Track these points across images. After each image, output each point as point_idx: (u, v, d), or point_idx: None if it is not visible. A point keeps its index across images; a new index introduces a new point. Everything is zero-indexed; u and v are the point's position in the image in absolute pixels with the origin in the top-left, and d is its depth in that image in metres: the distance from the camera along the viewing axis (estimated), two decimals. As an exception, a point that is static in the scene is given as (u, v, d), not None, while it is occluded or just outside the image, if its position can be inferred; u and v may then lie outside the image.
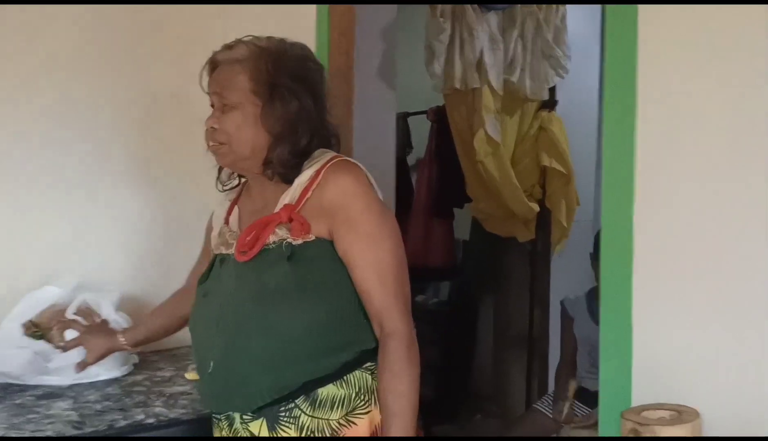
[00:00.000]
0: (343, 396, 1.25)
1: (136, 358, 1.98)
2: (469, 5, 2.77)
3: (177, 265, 2.24)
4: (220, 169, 1.48)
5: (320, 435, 1.25)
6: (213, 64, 1.36)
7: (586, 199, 3.26)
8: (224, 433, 1.35)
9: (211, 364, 1.30)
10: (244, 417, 1.30)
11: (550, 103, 3.09)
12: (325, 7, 1.84)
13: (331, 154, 1.33)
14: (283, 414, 1.26)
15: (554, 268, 3.26)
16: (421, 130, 3.75)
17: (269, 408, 1.26)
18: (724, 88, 1.08)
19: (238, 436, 1.32)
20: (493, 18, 2.86)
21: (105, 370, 1.83)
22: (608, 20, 1.26)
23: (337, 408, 1.25)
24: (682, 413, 0.95)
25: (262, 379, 1.25)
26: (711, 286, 1.05)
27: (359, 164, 1.31)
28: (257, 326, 1.25)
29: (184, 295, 1.67)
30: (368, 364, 1.28)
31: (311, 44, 1.89)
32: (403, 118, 3.64)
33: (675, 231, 1.11)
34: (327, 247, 1.26)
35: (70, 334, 1.79)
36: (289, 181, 1.31)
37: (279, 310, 1.24)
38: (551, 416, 2.67)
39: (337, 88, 1.81)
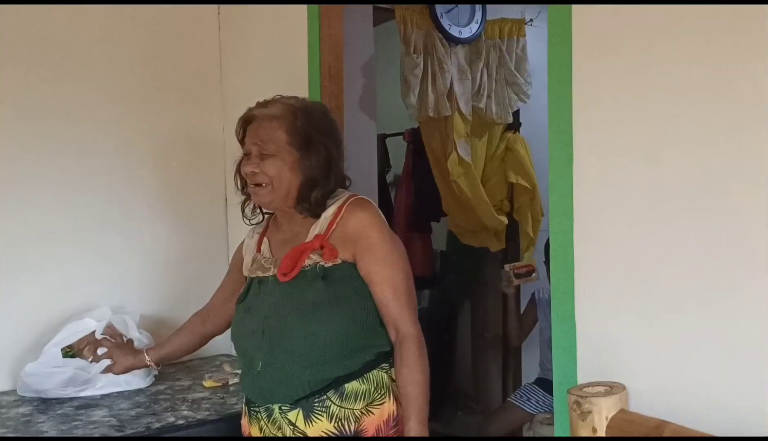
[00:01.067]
0: (364, 390, 1.52)
1: (156, 371, 2.21)
2: (437, 40, 3.04)
3: (190, 287, 2.50)
4: (243, 207, 1.73)
5: (346, 420, 1.50)
6: (248, 118, 1.62)
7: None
8: (262, 423, 1.59)
9: (260, 364, 1.55)
10: (283, 407, 1.54)
11: (514, 126, 3.36)
12: (316, 57, 2.09)
13: (347, 193, 1.62)
14: (317, 404, 1.52)
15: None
16: (398, 150, 3.96)
17: (305, 400, 1.52)
18: (654, 92, 1.24)
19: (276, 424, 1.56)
20: (460, 51, 3.14)
21: (127, 382, 2.07)
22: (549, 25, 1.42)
23: (360, 400, 1.52)
24: (613, 388, 1.24)
25: (303, 375, 1.51)
26: (636, 288, 1.31)
27: (371, 201, 1.61)
28: (299, 333, 1.51)
29: (207, 315, 1.93)
30: (383, 364, 1.56)
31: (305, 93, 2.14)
32: (381, 140, 3.82)
33: (608, 237, 1.32)
34: (351, 268, 1.54)
35: (102, 352, 2.03)
36: (317, 216, 1.58)
37: (316, 320, 1.51)
38: (524, 409, 2.96)
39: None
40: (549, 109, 1.41)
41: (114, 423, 1.81)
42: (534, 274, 3.03)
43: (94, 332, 2.08)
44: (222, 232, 2.56)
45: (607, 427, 1.18)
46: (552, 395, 2.79)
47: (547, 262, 2.83)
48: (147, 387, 2.12)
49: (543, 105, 3.63)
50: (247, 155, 1.61)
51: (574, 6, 1.36)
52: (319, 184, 1.57)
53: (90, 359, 1.99)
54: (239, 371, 2.14)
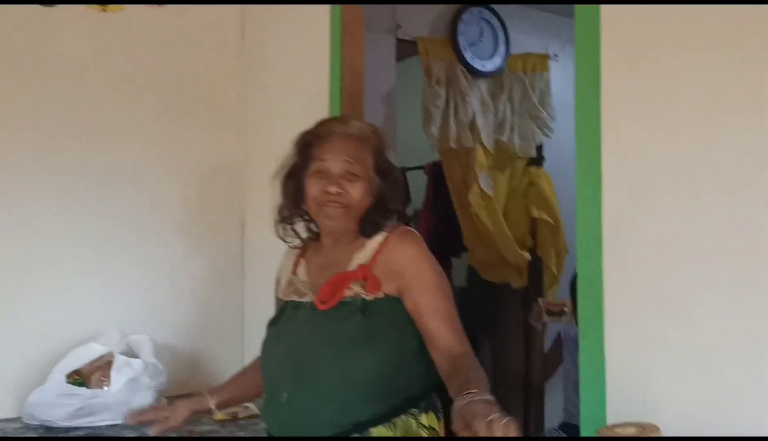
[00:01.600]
0: (391, 437, 1.40)
1: (165, 401, 2.15)
2: (460, 72, 3.02)
3: (203, 315, 2.45)
4: (285, 226, 1.58)
5: None
6: (324, 134, 1.50)
7: (575, 248, 3.45)
8: None
9: (285, 395, 1.43)
10: None
11: (537, 160, 3.32)
12: (337, 83, 2.07)
13: (391, 222, 1.51)
14: None
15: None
16: (418, 184, 3.94)
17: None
18: (686, 116, 1.20)
19: None
20: (483, 84, 3.12)
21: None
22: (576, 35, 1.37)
23: None
24: (645, 428, 1.15)
25: (329, 414, 1.39)
26: (670, 323, 1.24)
27: (416, 232, 1.51)
28: (330, 368, 1.40)
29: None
30: (412, 410, 1.44)
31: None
32: (401, 173, 3.81)
33: (640, 270, 1.26)
34: (394, 304, 1.43)
35: (115, 375, 1.97)
36: (369, 236, 1.49)
37: (350, 356, 1.39)
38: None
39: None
40: (576, 132, 1.36)
41: (118, 454, 1.74)
42: (566, 315, 2.92)
43: (103, 357, 2.04)
44: (238, 259, 2.51)
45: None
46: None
47: (572, 299, 2.74)
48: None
49: (567, 140, 3.59)
50: (322, 173, 1.48)
51: (603, 8, 1.31)
52: (384, 212, 1.49)
53: (150, 432, 1.68)
54: (250, 405, 2.08)
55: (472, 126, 3.03)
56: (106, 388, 1.98)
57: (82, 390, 1.96)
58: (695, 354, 1.19)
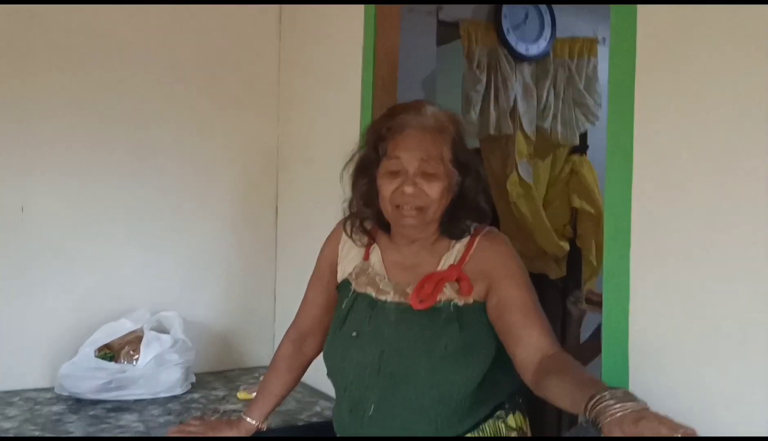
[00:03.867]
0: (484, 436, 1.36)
1: (194, 378, 2.18)
2: (503, 57, 2.94)
3: (234, 295, 2.47)
4: (353, 225, 1.50)
5: None
6: (397, 127, 1.38)
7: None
8: None
9: (372, 407, 1.36)
10: None
11: (581, 148, 3.21)
12: (370, 66, 2.04)
13: (474, 223, 1.43)
14: None
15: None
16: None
17: None
18: (720, 106, 1.12)
19: None
20: (526, 68, 3.02)
21: (166, 389, 2.05)
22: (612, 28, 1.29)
23: None
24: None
25: (422, 428, 1.34)
26: (698, 319, 1.18)
27: (500, 232, 1.46)
28: (425, 380, 1.32)
29: (302, 340, 1.65)
30: (498, 412, 1.40)
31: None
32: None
33: (668, 264, 1.20)
34: (481, 311, 1.36)
35: (144, 349, 2.00)
36: (455, 238, 1.41)
37: (447, 369, 1.32)
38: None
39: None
40: (608, 119, 1.29)
41: (140, 429, 1.78)
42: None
43: (133, 332, 2.07)
44: (271, 241, 2.52)
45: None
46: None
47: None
48: (182, 394, 2.08)
49: (613, 128, 3.47)
50: (396, 173, 1.37)
51: (639, 6, 1.24)
52: (469, 210, 1.41)
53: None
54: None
55: (513, 112, 2.94)
56: (134, 362, 2.02)
57: (111, 364, 2.00)
58: (728, 355, 1.12)
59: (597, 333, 2.93)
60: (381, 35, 2.03)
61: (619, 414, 1.00)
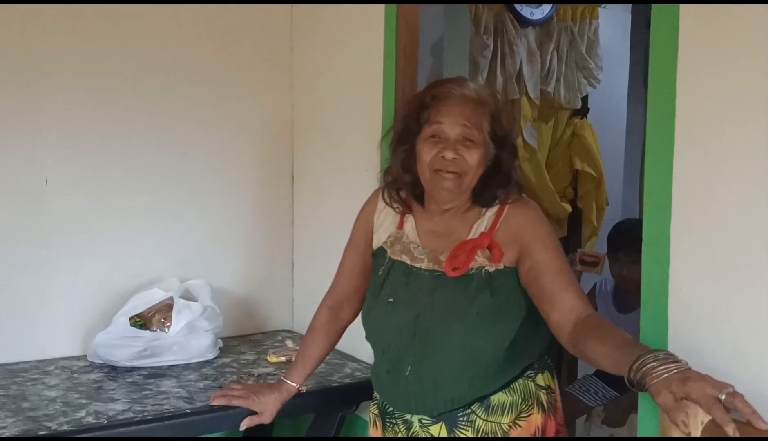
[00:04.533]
0: (511, 402, 1.43)
1: (221, 343, 2.23)
2: (508, 21, 2.97)
3: (255, 263, 2.51)
4: (389, 192, 1.54)
5: (492, 434, 1.41)
6: (440, 95, 1.43)
7: (615, 200, 3.46)
8: (400, 434, 1.49)
9: (408, 368, 1.42)
10: (424, 420, 1.45)
11: (582, 111, 3.28)
12: (393, 35, 2.05)
13: (504, 190, 1.46)
14: (461, 419, 1.43)
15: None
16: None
17: (448, 413, 1.43)
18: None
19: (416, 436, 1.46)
20: (531, 33, 3.06)
21: (198, 355, 2.10)
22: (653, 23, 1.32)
23: (508, 413, 1.42)
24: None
25: (455, 387, 1.41)
26: (740, 288, 1.24)
27: (531, 199, 1.50)
28: (458, 343, 1.39)
29: (339, 307, 1.70)
30: (529, 372, 1.46)
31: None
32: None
33: (711, 233, 1.26)
34: (512, 276, 1.41)
35: (176, 316, 2.04)
36: (487, 206, 1.45)
37: (477, 332, 1.39)
38: (582, 400, 2.90)
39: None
40: (649, 91, 1.34)
41: (183, 395, 1.82)
42: (598, 267, 2.96)
43: (163, 301, 2.11)
44: (288, 210, 2.55)
45: (702, 431, 1.13)
46: (612, 387, 2.79)
47: (609, 253, 2.75)
48: (213, 358, 2.14)
49: (613, 91, 3.56)
50: (437, 137, 1.42)
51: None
52: (502, 181, 1.45)
53: (241, 427, 1.66)
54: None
55: (519, 76, 2.99)
56: (167, 330, 2.06)
57: (145, 332, 2.04)
58: (761, 310, 1.20)
59: (591, 293, 3.03)
60: (402, 5, 2.05)
61: (665, 375, 1.07)
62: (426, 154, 1.43)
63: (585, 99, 3.27)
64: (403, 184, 1.53)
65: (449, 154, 1.39)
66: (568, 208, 3.27)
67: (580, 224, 3.38)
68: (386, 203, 1.57)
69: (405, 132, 1.50)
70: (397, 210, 1.57)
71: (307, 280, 2.53)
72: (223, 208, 2.42)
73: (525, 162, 3.08)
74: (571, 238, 3.39)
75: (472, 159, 1.40)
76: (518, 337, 1.42)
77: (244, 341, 2.37)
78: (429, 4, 2.23)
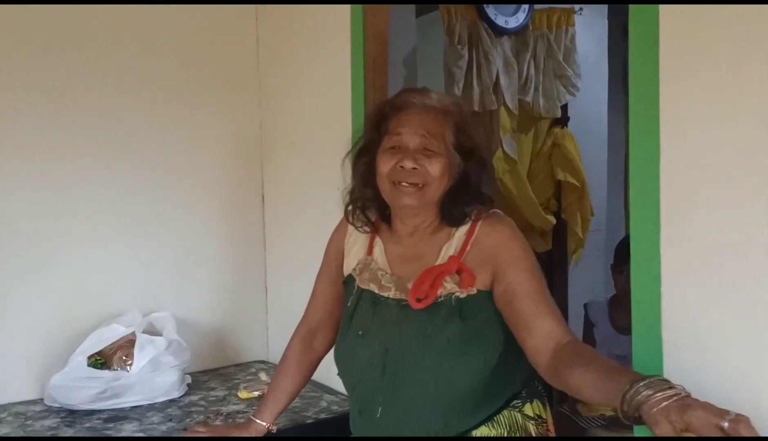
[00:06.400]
0: (495, 436, 1.31)
1: (189, 379, 2.10)
2: (483, 31, 2.88)
3: (225, 291, 2.38)
4: (354, 210, 1.45)
5: None
6: (400, 105, 1.36)
7: (599, 210, 3.37)
8: None
9: (380, 410, 1.32)
10: None
11: (562, 120, 3.20)
12: (360, 47, 1.95)
13: (475, 207, 1.36)
14: None
15: (571, 276, 3.37)
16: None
17: None
18: (749, 86, 1.08)
19: None
20: (506, 42, 2.97)
21: (159, 394, 1.96)
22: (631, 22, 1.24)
23: None
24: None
25: (431, 425, 1.30)
26: (734, 300, 1.15)
27: (505, 215, 1.39)
28: (429, 376, 1.29)
29: (312, 336, 1.61)
30: (515, 401, 1.35)
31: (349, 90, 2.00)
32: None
33: (697, 251, 1.18)
34: (486, 300, 1.31)
35: (138, 353, 1.91)
36: (454, 225, 1.36)
37: (449, 363, 1.28)
38: (573, 418, 2.78)
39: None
40: (630, 97, 1.24)
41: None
42: None
43: (125, 336, 1.98)
44: (259, 232, 2.43)
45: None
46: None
47: (615, 265, 2.63)
48: (180, 397, 2.00)
49: (592, 98, 3.47)
50: (397, 148, 1.33)
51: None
52: (470, 196, 1.35)
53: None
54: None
55: (496, 87, 2.90)
56: (128, 368, 1.93)
57: (105, 372, 1.91)
58: (761, 332, 1.10)
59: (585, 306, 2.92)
60: (370, 14, 1.95)
61: (663, 404, 0.96)
62: (384, 165, 1.35)
63: (565, 108, 3.19)
64: (365, 200, 1.44)
65: (408, 164, 1.31)
66: (552, 220, 3.18)
67: (565, 236, 3.29)
68: (349, 222, 1.48)
69: (366, 144, 1.42)
70: (362, 231, 1.47)
71: (283, 305, 2.40)
72: (190, 233, 2.29)
73: (506, 174, 2.99)
74: (556, 250, 3.30)
75: (434, 169, 1.32)
76: (499, 364, 1.31)
77: (214, 376, 2.24)
78: (399, 4, 2.12)
